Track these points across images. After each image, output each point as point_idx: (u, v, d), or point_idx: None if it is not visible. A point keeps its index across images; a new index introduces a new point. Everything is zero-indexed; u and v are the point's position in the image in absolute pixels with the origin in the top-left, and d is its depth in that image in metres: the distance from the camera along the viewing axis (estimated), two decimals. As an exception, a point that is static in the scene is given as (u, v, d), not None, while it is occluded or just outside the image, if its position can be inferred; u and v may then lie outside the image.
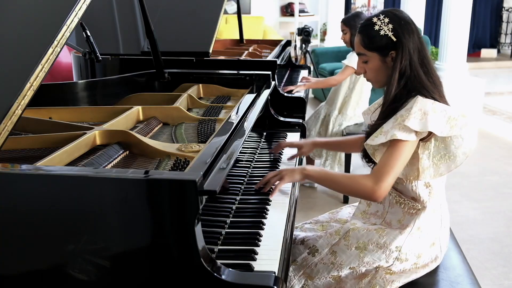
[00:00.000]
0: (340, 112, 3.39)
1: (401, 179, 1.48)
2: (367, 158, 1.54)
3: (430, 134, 1.40)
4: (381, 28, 1.44)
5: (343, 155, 3.34)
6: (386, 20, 1.45)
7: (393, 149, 1.39)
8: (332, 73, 5.65)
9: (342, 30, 3.26)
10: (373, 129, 1.47)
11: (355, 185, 1.44)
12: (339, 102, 3.38)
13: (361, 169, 1.63)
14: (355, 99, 3.33)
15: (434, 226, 1.51)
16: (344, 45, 3.31)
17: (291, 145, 1.91)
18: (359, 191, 1.45)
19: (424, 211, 1.47)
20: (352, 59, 3.11)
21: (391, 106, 1.45)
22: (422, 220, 1.48)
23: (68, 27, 1.27)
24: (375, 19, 1.46)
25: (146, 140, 1.44)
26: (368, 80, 1.57)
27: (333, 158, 3.43)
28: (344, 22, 3.24)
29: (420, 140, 1.42)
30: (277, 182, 1.54)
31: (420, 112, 1.38)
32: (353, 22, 3.10)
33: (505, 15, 9.45)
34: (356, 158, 3.10)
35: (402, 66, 1.43)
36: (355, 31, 1.55)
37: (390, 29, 1.44)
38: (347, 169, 3.28)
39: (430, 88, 1.43)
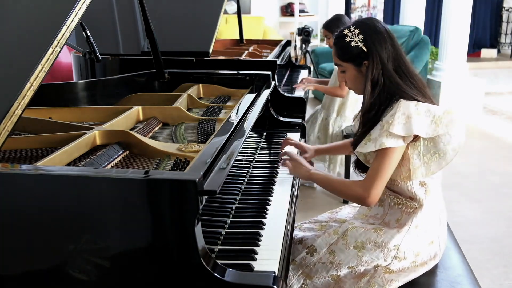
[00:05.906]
0: (338, 114, 3.38)
1: (396, 180, 1.50)
2: (360, 169, 1.58)
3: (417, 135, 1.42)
4: (352, 39, 1.48)
5: (343, 156, 3.34)
6: (357, 31, 1.48)
7: (382, 157, 1.42)
8: (332, 73, 5.64)
9: (325, 36, 3.26)
10: (358, 137, 1.50)
11: (348, 191, 1.50)
12: (336, 104, 3.38)
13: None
14: (353, 100, 3.32)
15: (431, 224, 1.51)
16: None
17: (297, 146, 1.91)
18: (352, 198, 1.51)
19: (421, 209, 1.49)
20: None
21: (368, 115, 1.48)
22: (419, 219, 1.49)
23: (68, 27, 1.27)
24: (346, 31, 1.49)
25: (146, 140, 1.44)
26: (349, 88, 1.61)
27: (335, 158, 3.43)
28: (325, 27, 3.26)
29: None
30: (287, 158, 1.65)
31: (403, 116, 1.40)
32: (334, 27, 3.10)
33: (505, 15, 9.44)
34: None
35: (374, 75, 1.46)
36: None
37: (360, 40, 1.47)
38: (347, 169, 3.28)
39: (411, 91, 1.45)
